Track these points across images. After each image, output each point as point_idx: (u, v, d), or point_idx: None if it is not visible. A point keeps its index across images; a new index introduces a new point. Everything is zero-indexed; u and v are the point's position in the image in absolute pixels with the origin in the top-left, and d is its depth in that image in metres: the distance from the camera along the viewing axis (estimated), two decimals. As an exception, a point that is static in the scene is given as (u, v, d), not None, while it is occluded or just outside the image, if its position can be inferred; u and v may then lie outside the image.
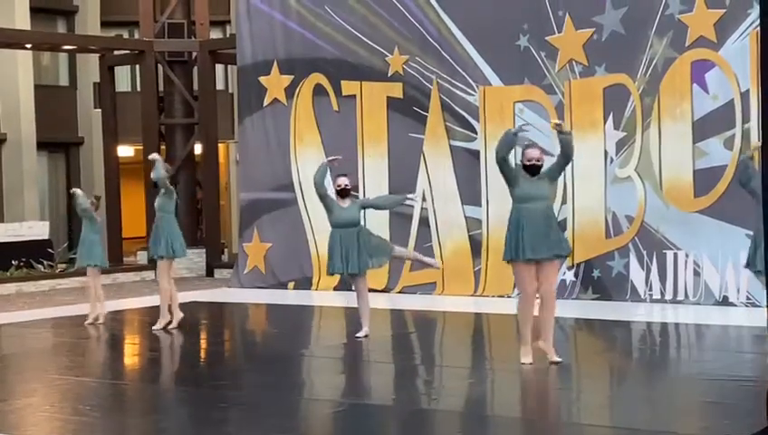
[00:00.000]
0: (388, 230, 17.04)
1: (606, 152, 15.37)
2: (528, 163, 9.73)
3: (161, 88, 22.17)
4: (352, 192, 12.30)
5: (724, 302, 14.26)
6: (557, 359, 9.80)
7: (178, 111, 22.28)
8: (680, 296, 14.67)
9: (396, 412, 8.54)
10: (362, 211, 12.26)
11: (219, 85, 24.09)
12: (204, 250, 21.71)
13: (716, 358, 10.67)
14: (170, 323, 13.20)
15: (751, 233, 10.78)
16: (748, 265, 10.52)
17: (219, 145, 22.76)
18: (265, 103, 18.95)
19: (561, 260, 9.73)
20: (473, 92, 16.58)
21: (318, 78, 18.26)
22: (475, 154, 16.56)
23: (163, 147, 22.18)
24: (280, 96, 18.75)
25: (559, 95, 15.75)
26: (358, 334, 12.02)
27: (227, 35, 24.53)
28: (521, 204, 9.70)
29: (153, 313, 13.93)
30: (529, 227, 9.60)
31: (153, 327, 13.22)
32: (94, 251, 13.96)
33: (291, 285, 18.40)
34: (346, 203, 12.03)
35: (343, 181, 12.09)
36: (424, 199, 16.75)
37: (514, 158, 10.76)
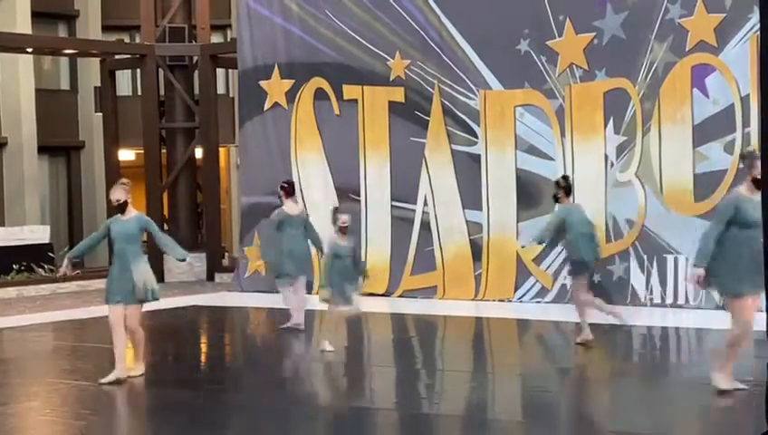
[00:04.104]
0: (390, 235, 17.07)
1: (606, 156, 15.38)
2: None
3: (162, 92, 22.16)
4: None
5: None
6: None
7: (179, 115, 22.27)
8: (681, 301, 14.67)
9: (397, 416, 8.55)
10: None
11: (220, 89, 24.09)
12: (204, 254, 21.68)
13: (717, 362, 10.65)
14: None
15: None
16: None
17: (220, 149, 22.76)
18: (266, 107, 18.94)
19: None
20: (474, 97, 16.59)
21: (319, 82, 18.25)
22: (476, 158, 16.56)
23: (164, 151, 22.20)
24: (281, 100, 18.75)
25: (559, 99, 15.76)
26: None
27: (228, 39, 24.51)
28: None
29: (154, 316, 13.92)
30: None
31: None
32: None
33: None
34: (345, 240, 11.81)
35: (341, 218, 11.86)
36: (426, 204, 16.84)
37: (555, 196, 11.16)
